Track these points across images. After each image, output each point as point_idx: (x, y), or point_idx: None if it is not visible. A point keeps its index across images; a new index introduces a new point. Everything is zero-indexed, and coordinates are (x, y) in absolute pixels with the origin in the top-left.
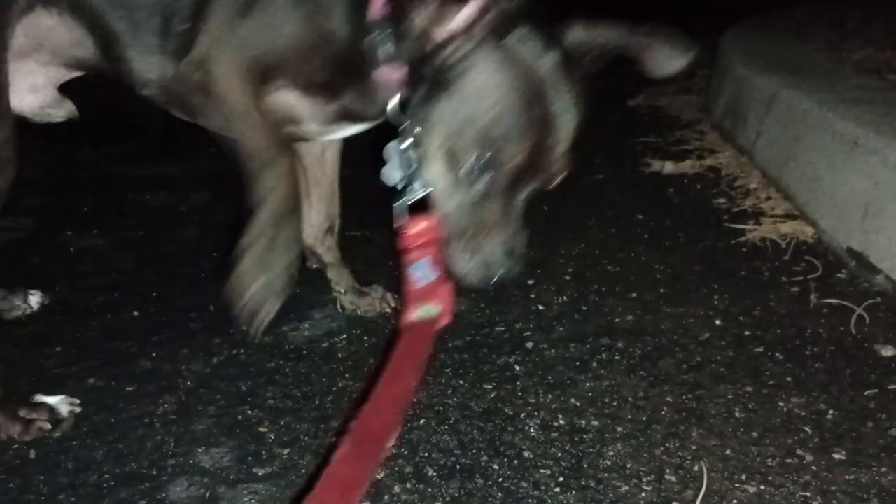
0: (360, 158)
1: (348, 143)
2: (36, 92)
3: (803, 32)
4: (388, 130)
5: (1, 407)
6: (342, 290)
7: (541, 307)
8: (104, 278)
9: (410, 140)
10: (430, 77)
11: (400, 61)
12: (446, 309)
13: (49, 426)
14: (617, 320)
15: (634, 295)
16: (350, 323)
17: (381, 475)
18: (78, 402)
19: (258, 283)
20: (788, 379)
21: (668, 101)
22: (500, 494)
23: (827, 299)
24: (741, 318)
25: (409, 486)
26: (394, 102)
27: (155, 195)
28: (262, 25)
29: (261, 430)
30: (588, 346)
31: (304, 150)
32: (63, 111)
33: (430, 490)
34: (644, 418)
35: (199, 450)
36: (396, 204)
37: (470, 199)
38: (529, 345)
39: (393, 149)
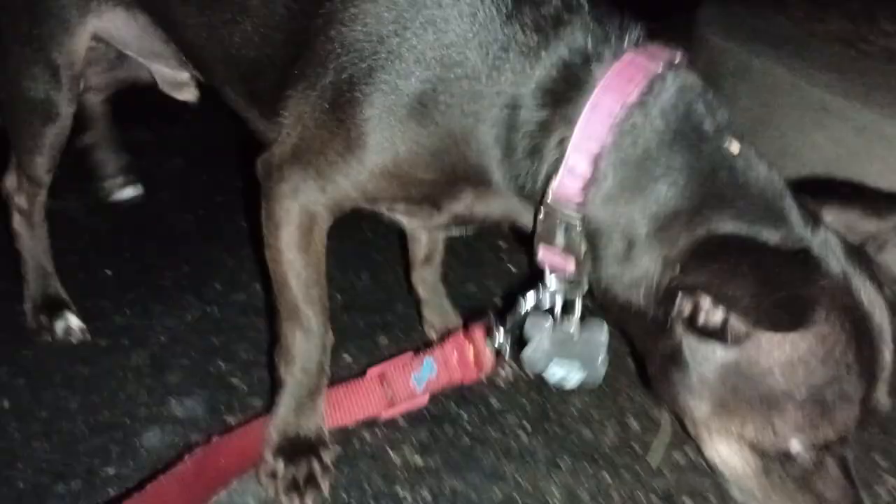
0: None
1: None
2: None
3: (781, 3)
4: None
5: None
6: (434, 333)
7: (513, 269)
8: (77, 240)
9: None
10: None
11: (574, 254)
12: (393, 413)
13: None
14: None
15: None
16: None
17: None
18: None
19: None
20: None
21: None
22: (466, 440)
23: None
24: None
25: (378, 432)
26: (553, 286)
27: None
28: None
29: (233, 381)
30: None
31: None
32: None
33: (398, 435)
34: (610, 370)
35: (173, 400)
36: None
37: (790, 486)
38: (499, 301)
39: (541, 328)
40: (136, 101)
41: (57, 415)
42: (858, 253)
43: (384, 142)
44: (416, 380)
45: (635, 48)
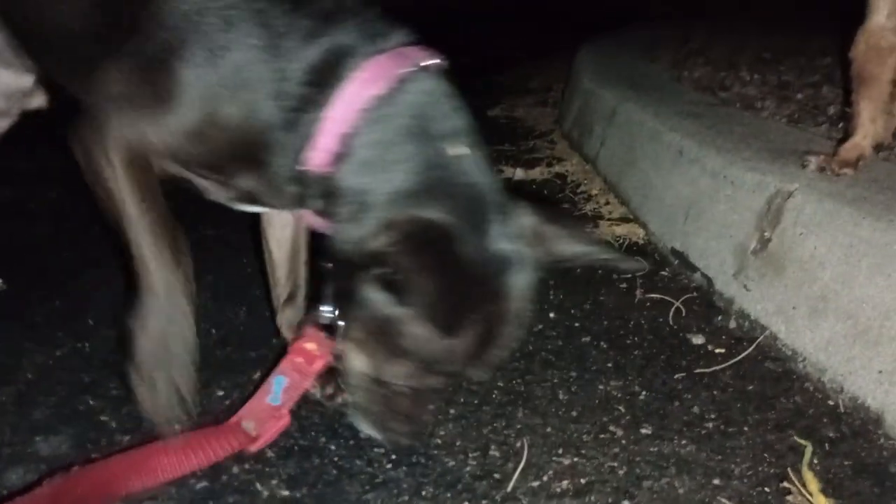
0: None
1: None
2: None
3: (651, 50)
4: None
5: None
6: None
7: None
8: None
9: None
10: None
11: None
12: (263, 440)
13: None
14: None
15: None
16: (201, 318)
17: None
18: None
19: (162, 390)
20: (609, 364)
21: (524, 112)
22: (334, 471)
23: (650, 294)
24: (573, 310)
25: (247, 466)
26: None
27: (3, 190)
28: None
29: (102, 418)
30: None
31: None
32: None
33: (267, 469)
34: (475, 401)
35: (38, 438)
36: (310, 314)
37: (385, 393)
38: None
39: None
40: (18, 130)
41: None
42: (530, 264)
43: (191, 105)
44: (271, 400)
45: (395, 49)
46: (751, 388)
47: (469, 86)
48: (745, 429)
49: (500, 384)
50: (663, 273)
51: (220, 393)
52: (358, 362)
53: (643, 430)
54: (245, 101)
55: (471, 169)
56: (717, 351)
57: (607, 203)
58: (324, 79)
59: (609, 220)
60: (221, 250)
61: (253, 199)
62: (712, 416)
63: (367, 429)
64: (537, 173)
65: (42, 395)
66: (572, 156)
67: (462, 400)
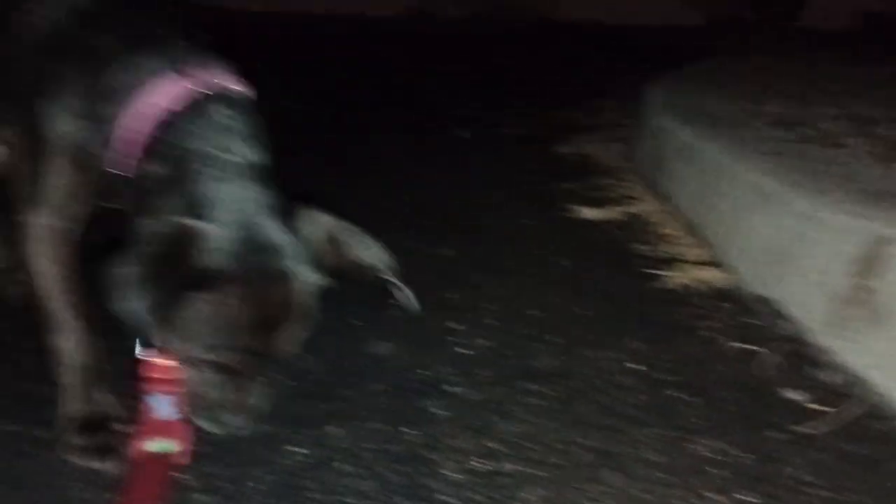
0: None
1: None
2: None
3: (724, 84)
4: None
5: None
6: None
7: (463, 351)
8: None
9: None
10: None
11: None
12: (185, 449)
13: None
14: (537, 364)
15: (556, 339)
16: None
17: None
18: None
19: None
20: (699, 421)
21: (594, 149)
22: None
23: (738, 343)
24: (656, 362)
25: None
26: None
27: None
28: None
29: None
30: (509, 390)
31: None
32: None
33: None
34: (561, 461)
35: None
36: (138, 338)
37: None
38: (451, 389)
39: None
40: None
41: None
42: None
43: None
44: (166, 416)
45: (195, 71)
46: (857, 449)
47: (533, 122)
48: (856, 497)
49: (586, 443)
50: (750, 320)
51: (295, 449)
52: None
53: (741, 497)
54: (78, 129)
55: (245, 181)
56: (816, 407)
57: (686, 245)
58: (119, 95)
59: (690, 263)
60: None
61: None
62: (818, 482)
63: (204, 424)
64: (610, 213)
65: None
66: (645, 195)
67: (547, 460)
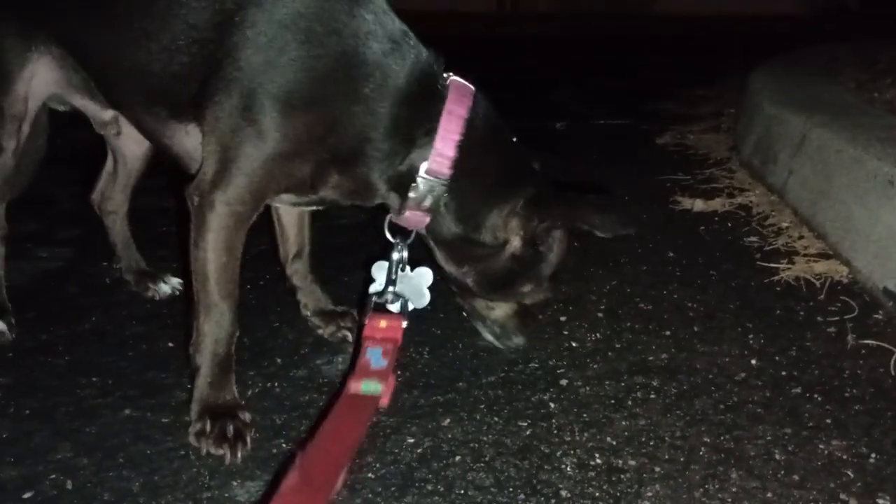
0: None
1: None
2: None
3: (832, 71)
4: None
5: None
6: (308, 312)
7: (574, 344)
8: (139, 309)
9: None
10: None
11: (429, 210)
12: (388, 392)
13: None
14: (651, 358)
15: (668, 333)
16: None
17: None
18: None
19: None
20: (828, 421)
21: (696, 140)
22: None
23: (864, 340)
24: (777, 357)
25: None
26: (417, 231)
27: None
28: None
29: None
30: (623, 384)
31: None
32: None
33: None
34: (682, 458)
35: (235, 483)
36: (373, 299)
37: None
38: (564, 382)
39: (388, 262)
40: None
41: (119, 497)
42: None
43: (286, 135)
44: (376, 364)
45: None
46: None
47: (637, 110)
48: None
49: (707, 440)
50: (876, 316)
51: (411, 440)
52: (479, 306)
53: (879, 501)
54: (351, 122)
55: (523, 154)
56: None
57: (801, 237)
58: (426, 96)
59: (805, 255)
60: None
61: (322, 202)
62: None
63: (490, 339)
64: (718, 204)
65: None
66: (755, 186)
67: (666, 457)
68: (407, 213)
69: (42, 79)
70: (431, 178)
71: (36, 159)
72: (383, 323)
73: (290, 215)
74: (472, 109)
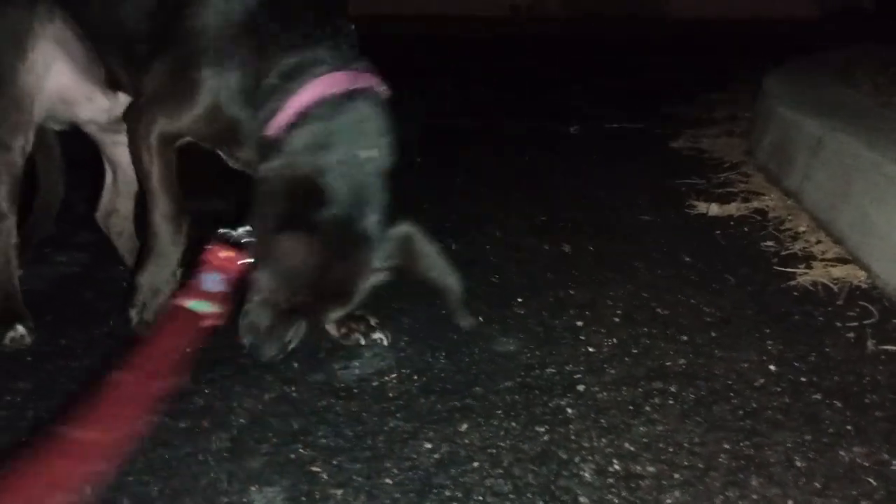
0: (408, 199)
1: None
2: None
3: (847, 74)
4: None
5: None
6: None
7: (591, 349)
8: None
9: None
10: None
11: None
12: (221, 312)
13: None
14: (668, 363)
15: (685, 338)
16: (400, 362)
17: None
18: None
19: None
20: (849, 427)
21: (710, 144)
22: None
23: (884, 346)
24: (796, 363)
25: None
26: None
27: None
28: (188, 94)
29: (314, 469)
30: (640, 390)
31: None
32: None
33: None
34: (701, 465)
35: (253, 488)
36: (219, 230)
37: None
38: (581, 387)
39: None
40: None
41: (139, 501)
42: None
43: (208, 95)
44: (211, 287)
45: (352, 69)
46: None
47: (651, 112)
48: None
49: (726, 446)
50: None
51: (428, 446)
52: (263, 279)
53: None
54: (233, 97)
55: (372, 171)
56: None
57: (818, 242)
58: (291, 78)
59: (823, 260)
60: (416, 292)
61: (248, 166)
62: None
63: (245, 339)
64: (733, 209)
65: (254, 442)
66: (771, 190)
67: (686, 463)
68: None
69: (47, 59)
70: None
71: (58, 174)
72: (223, 253)
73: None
74: (336, 99)
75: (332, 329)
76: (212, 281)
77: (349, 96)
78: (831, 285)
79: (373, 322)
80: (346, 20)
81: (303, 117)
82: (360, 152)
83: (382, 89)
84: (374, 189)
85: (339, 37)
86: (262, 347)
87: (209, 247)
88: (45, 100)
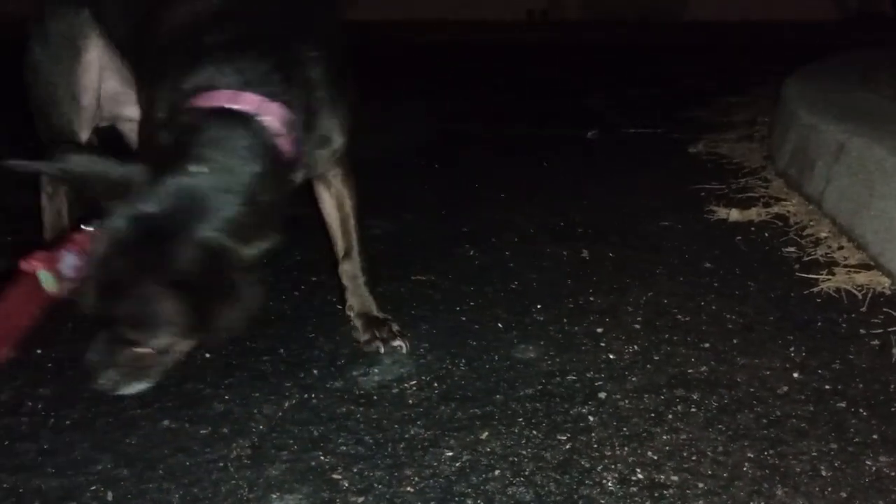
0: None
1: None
2: None
3: (868, 79)
4: None
5: None
6: (352, 314)
7: (612, 356)
8: None
9: None
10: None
11: None
12: (61, 288)
13: None
14: (690, 371)
15: (707, 345)
16: (420, 369)
17: None
18: None
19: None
20: (874, 436)
21: (729, 149)
22: None
23: None
24: (820, 371)
25: None
26: None
27: None
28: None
29: (334, 476)
30: (662, 398)
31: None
32: None
33: None
34: (725, 474)
35: (274, 496)
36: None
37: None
38: (602, 395)
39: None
40: None
41: None
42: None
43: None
44: (63, 267)
45: (232, 92)
46: None
47: (669, 118)
48: None
49: (750, 455)
50: None
51: (449, 454)
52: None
53: None
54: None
55: (204, 186)
56: None
57: (840, 248)
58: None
59: (846, 266)
60: (435, 299)
61: None
62: None
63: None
64: (754, 214)
65: (275, 449)
66: (791, 195)
67: (709, 472)
68: None
69: (101, 61)
70: None
71: None
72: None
73: (333, 216)
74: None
75: (357, 330)
76: (70, 261)
77: (215, 113)
78: (854, 292)
79: (395, 328)
80: (314, 45)
81: (171, 122)
82: (191, 166)
83: (268, 118)
84: (191, 202)
85: (267, 58)
86: (97, 373)
87: (86, 228)
88: (104, 98)
